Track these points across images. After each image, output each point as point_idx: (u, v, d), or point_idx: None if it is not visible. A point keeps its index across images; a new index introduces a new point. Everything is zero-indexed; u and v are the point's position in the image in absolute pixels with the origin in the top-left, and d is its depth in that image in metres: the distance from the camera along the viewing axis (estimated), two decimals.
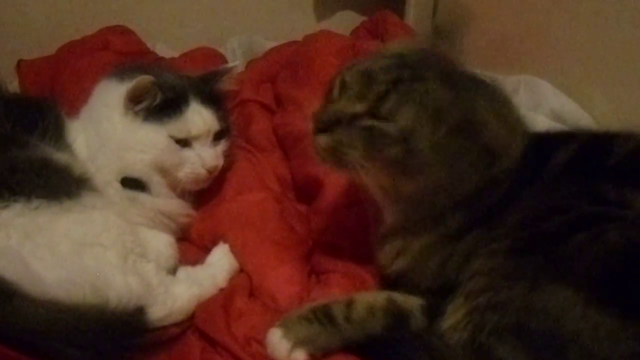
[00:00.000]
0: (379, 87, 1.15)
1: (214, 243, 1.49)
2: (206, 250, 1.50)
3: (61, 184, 1.34)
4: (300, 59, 1.92)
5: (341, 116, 1.17)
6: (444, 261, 1.20)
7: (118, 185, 1.48)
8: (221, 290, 1.39)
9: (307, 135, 1.24)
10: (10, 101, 1.52)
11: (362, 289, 1.31)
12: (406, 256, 1.24)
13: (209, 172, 1.51)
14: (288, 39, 2.23)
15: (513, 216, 1.13)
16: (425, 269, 1.22)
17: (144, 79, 1.43)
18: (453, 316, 1.12)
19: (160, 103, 1.47)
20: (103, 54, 2.05)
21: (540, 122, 1.60)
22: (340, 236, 1.44)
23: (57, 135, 1.46)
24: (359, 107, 1.16)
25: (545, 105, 1.72)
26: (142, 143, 1.46)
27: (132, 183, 1.49)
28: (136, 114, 1.47)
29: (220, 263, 1.44)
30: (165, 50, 2.29)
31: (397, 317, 1.18)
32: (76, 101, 1.60)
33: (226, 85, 1.63)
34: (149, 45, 2.27)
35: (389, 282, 1.29)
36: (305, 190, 1.62)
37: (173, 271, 1.44)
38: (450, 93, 1.14)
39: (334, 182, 1.52)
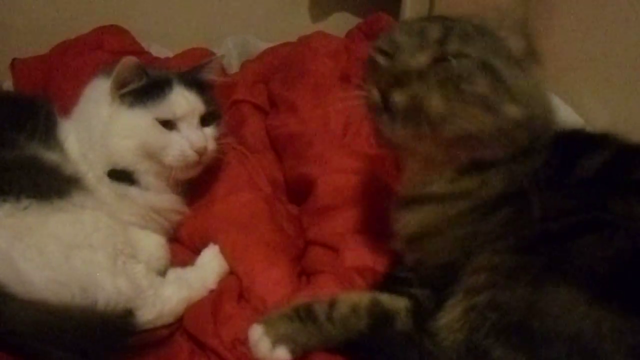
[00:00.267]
0: (435, 34, 1.11)
1: (205, 244, 1.48)
2: (196, 251, 1.50)
3: (51, 184, 1.34)
4: (294, 60, 1.92)
5: (408, 71, 1.10)
6: (467, 236, 1.15)
7: (108, 181, 1.47)
8: (211, 292, 1.39)
9: (367, 116, 1.18)
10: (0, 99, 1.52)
11: (351, 289, 1.30)
12: (432, 221, 1.20)
13: (198, 154, 1.48)
14: (283, 40, 2.23)
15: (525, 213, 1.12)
16: (446, 240, 1.18)
17: (129, 59, 1.43)
18: (450, 313, 1.10)
19: (145, 86, 1.46)
20: (97, 54, 2.04)
21: None
22: (331, 237, 1.44)
23: (48, 134, 1.45)
24: (423, 58, 1.10)
25: None
26: (128, 128, 1.46)
27: (120, 175, 1.48)
28: (122, 100, 1.46)
29: (210, 265, 1.43)
30: (160, 50, 2.28)
31: (381, 317, 1.17)
32: (70, 100, 1.59)
33: (210, 74, 1.62)
34: (143, 45, 2.26)
35: (397, 252, 1.29)
36: (297, 192, 1.63)
37: (164, 272, 1.44)
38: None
39: (326, 183, 1.53)
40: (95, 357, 1.15)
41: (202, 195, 1.59)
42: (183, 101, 1.49)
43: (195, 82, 1.55)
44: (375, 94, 1.12)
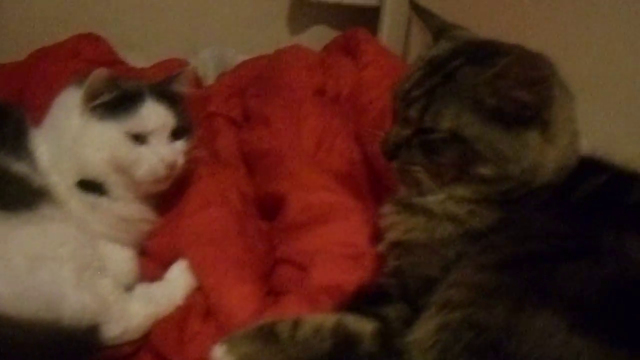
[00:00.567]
0: (418, 105, 1.22)
1: (174, 259, 1.46)
2: (166, 265, 1.47)
3: (19, 195, 1.32)
4: (269, 74, 1.92)
5: (399, 141, 1.26)
6: (452, 257, 1.19)
7: (78, 191, 1.46)
8: (178, 308, 1.37)
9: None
10: None
11: (317, 310, 1.29)
12: (420, 234, 1.24)
13: (168, 169, 1.47)
14: (262, 52, 2.23)
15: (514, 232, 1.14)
16: (430, 256, 1.21)
17: (100, 71, 1.41)
18: (422, 327, 1.09)
19: (115, 98, 1.45)
20: (73, 62, 2.04)
21: None
22: (300, 255, 1.43)
23: (18, 144, 1.43)
24: (407, 130, 1.25)
25: None
26: (98, 141, 1.44)
27: (90, 186, 1.46)
28: (93, 112, 1.45)
29: (178, 280, 1.42)
30: (136, 59, 2.28)
31: (346, 340, 1.16)
32: (45, 109, 1.57)
33: (182, 86, 1.60)
34: (120, 54, 2.25)
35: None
36: (268, 208, 1.61)
37: (132, 286, 1.42)
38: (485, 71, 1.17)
39: (295, 200, 1.52)
40: None
41: (173, 206, 1.57)
42: (154, 115, 1.48)
43: (166, 95, 1.54)
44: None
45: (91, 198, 1.47)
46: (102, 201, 1.47)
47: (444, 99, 1.19)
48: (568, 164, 1.21)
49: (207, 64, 2.27)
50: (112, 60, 2.20)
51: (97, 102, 1.45)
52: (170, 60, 2.19)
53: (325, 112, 1.81)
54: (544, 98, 1.15)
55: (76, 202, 1.46)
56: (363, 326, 1.19)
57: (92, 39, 2.20)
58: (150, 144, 1.47)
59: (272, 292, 1.43)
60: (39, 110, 1.57)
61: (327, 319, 1.19)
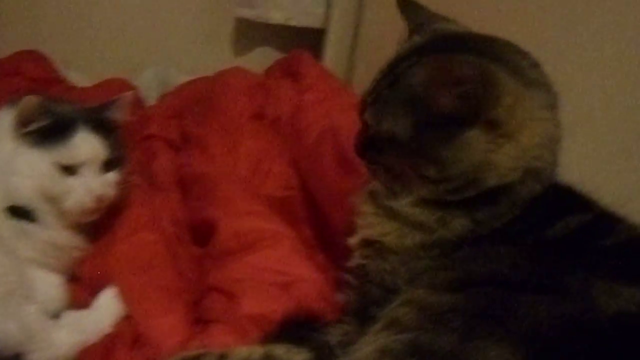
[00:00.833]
0: (370, 109, 1.22)
1: (104, 286, 1.44)
2: (96, 292, 1.44)
3: None
4: (208, 96, 1.92)
5: (363, 142, 1.26)
6: (421, 269, 1.14)
7: (8, 216, 1.43)
8: (105, 336, 1.35)
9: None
10: None
11: (244, 341, 1.28)
12: (393, 239, 1.19)
13: (97, 202, 1.46)
14: (206, 73, 2.22)
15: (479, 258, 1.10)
16: (402, 264, 1.17)
17: (31, 98, 1.40)
18: (364, 349, 1.04)
19: (47, 127, 1.43)
20: (15, 80, 2.02)
21: None
22: (230, 283, 1.40)
23: None
24: (366, 133, 1.25)
25: None
26: (28, 168, 1.42)
27: (20, 212, 1.44)
28: (24, 139, 1.43)
29: (106, 308, 1.39)
30: (79, 78, 2.26)
31: None
32: None
33: (118, 114, 1.58)
34: (62, 72, 2.23)
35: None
36: (201, 234, 1.59)
37: (60, 313, 1.40)
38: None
39: (227, 226, 1.50)
40: None
41: (104, 233, 1.55)
42: (86, 147, 1.46)
43: (101, 123, 1.51)
44: None
45: (21, 224, 1.44)
46: (32, 228, 1.44)
47: (387, 102, 1.17)
48: (537, 167, 1.14)
49: (149, 84, 2.26)
50: (54, 79, 2.18)
51: (28, 129, 1.43)
52: (113, 80, 2.18)
53: (263, 136, 1.81)
54: (477, 99, 1.08)
55: (6, 227, 1.43)
56: (293, 357, 1.16)
57: (34, 57, 2.19)
58: (81, 176, 1.45)
59: (202, 320, 1.41)
60: None
61: (254, 351, 1.16)
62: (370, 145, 1.23)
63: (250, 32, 2.53)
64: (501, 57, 1.14)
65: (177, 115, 1.98)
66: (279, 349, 1.17)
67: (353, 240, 1.27)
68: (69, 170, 1.44)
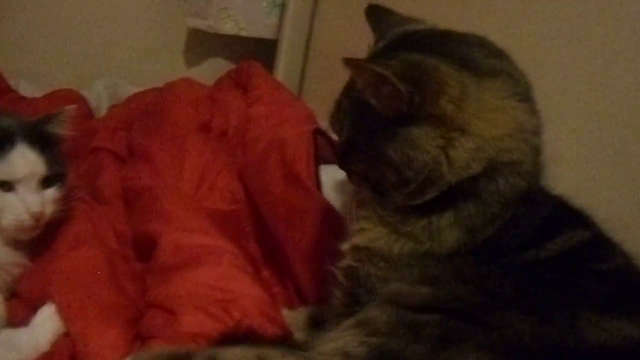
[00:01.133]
0: (333, 118, 1.22)
1: (43, 302, 1.41)
2: (36, 309, 1.42)
3: None
4: (155, 108, 1.90)
5: (340, 151, 1.25)
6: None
7: None
8: (43, 355, 1.33)
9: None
10: None
11: None
12: (383, 246, 1.16)
13: (35, 219, 1.43)
14: (157, 84, 2.21)
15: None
16: (392, 271, 1.14)
17: None
18: (330, 342, 1.03)
19: None
20: None
21: None
22: (170, 299, 1.39)
23: None
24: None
25: None
26: None
27: None
28: None
29: (44, 325, 1.36)
30: (28, 88, 2.24)
31: None
32: None
33: (59, 128, 1.54)
34: (11, 82, 2.21)
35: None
36: (143, 249, 1.57)
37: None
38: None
39: (168, 241, 1.49)
40: None
41: (45, 249, 1.51)
42: (23, 163, 1.42)
43: (41, 138, 1.48)
44: None
45: None
46: None
47: (345, 111, 1.17)
48: (509, 159, 1.09)
49: (100, 95, 2.24)
50: (3, 89, 2.16)
51: None
52: (62, 91, 2.16)
53: (209, 149, 1.80)
54: (409, 94, 1.05)
55: None
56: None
57: None
58: (17, 192, 1.42)
59: (141, 337, 1.39)
60: None
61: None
62: (343, 155, 1.22)
63: (202, 43, 2.53)
64: (450, 51, 1.12)
65: (124, 127, 1.96)
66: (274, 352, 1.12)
67: (344, 247, 1.24)
68: (6, 186, 1.41)
